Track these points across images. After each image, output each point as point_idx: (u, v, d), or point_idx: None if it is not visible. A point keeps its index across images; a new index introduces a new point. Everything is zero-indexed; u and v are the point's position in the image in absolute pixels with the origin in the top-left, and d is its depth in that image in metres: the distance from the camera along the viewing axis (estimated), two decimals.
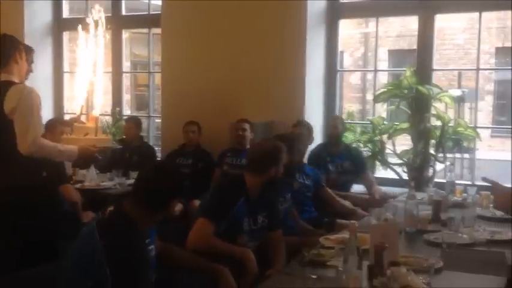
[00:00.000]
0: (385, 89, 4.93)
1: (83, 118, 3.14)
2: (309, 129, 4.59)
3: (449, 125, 4.70)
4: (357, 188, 4.81)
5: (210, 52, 5.54)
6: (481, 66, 6.75)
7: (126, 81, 9.86)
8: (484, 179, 2.74)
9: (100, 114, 3.33)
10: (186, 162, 5.21)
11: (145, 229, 2.10)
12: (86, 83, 3.09)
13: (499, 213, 3.59)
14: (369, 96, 10.64)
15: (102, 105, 3.23)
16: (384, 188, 4.70)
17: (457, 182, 4.40)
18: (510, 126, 13.57)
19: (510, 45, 12.20)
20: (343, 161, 4.69)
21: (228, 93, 5.48)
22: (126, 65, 7.69)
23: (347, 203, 4.12)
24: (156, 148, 6.10)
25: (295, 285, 1.99)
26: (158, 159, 5.72)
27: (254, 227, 2.90)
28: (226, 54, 5.47)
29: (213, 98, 5.52)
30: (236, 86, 5.45)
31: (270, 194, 2.99)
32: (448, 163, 4.73)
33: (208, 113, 5.46)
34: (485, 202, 3.76)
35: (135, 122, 5.77)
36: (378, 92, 5.03)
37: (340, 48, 5.59)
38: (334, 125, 4.78)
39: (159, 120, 6.37)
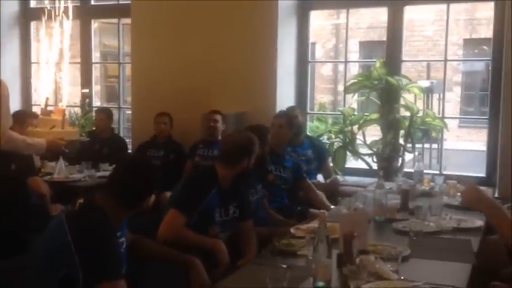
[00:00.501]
0: (356, 80, 4.99)
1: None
2: (289, 120, 4.50)
3: (418, 115, 4.78)
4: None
5: (181, 43, 5.51)
6: (449, 58, 6.87)
7: (96, 72, 9.73)
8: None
9: (69, 106, 3.29)
10: (157, 154, 5.18)
11: (116, 222, 2.08)
12: (52, 74, 3.05)
13: None
14: (341, 88, 10.70)
15: (71, 97, 3.19)
16: (356, 179, 4.77)
17: (425, 171, 4.48)
18: (477, 117, 13.86)
19: (478, 37, 12.46)
20: (305, 150, 4.71)
21: (199, 84, 5.46)
22: (96, 55, 7.57)
23: (325, 198, 4.13)
24: (127, 140, 6.05)
25: (265, 275, 2.00)
26: (129, 151, 5.68)
27: (225, 217, 2.91)
28: (198, 45, 5.44)
29: (185, 89, 5.49)
30: (208, 77, 5.43)
31: (241, 185, 3.00)
32: (416, 153, 4.81)
33: (180, 104, 5.43)
34: (452, 191, 3.84)
35: (106, 113, 5.70)
36: (348, 83, 5.08)
37: (311, 39, 5.61)
38: (293, 114, 4.76)
39: (129, 112, 6.31)
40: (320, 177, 4.81)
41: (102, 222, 1.98)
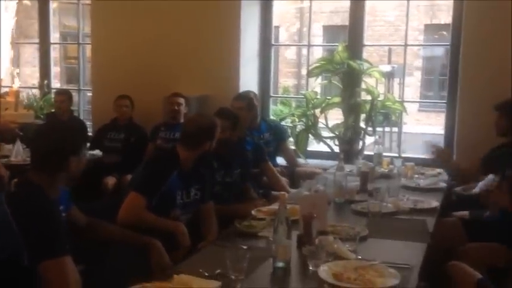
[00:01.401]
0: (318, 64, 5.02)
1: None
2: (249, 102, 4.51)
3: (379, 99, 4.85)
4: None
5: (143, 24, 5.42)
6: (410, 43, 6.97)
7: (55, 53, 9.48)
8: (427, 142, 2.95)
9: (26, 87, 3.20)
10: (118, 136, 5.12)
11: (53, 194, 2.03)
12: (5, 54, 2.95)
13: (422, 183, 3.78)
14: (304, 71, 10.76)
15: (30, 78, 3.10)
16: (318, 162, 4.82)
17: (385, 154, 4.57)
18: (436, 101, 14.16)
19: (438, 22, 12.67)
20: (262, 133, 4.71)
21: (161, 66, 5.40)
22: (55, 36, 7.39)
23: (286, 183, 4.15)
24: (88, 123, 5.94)
25: (226, 256, 2.01)
26: (89, 134, 5.58)
27: (187, 200, 2.90)
28: (160, 27, 5.37)
29: (146, 71, 5.42)
30: (170, 60, 5.37)
31: (202, 167, 3.00)
32: (377, 136, 4.90)
33: (141, 86, 5.36)
34: (410, 173, 3.94)
35: (67, 95, 5.58)
36: (311, 67, 5.11)
37: (275, 23, 5.60)
38: (248, 95, 4.74)
39: (90, 94, 6.19)
40: (281, 160, 4.83)
41: (40, 198, 1.92)
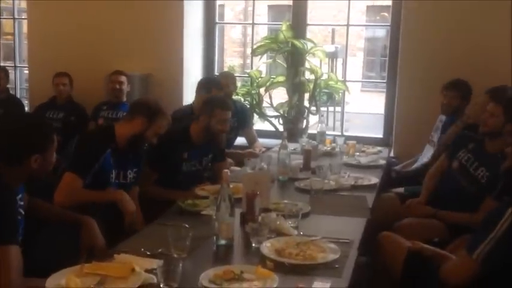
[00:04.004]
0: (263, 43, 5.02)
1: None
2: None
3: (322, 79, 4.91)
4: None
5: None
6: (353, 24, 7.06)
7: None
8: None
9: None
10: (57, 116, 4.96)
11: (13, 184, 1.97)
12: None
13: (363, 161, 3.88)
14: (249, 51, 10.75)
15: None
16: (263, 141, 4.82)
17: (328, 133, 4.65)
18: (377, 81, 14.48)
19: (380, 4, 12.89)
20: None
21: (102, 43, 5.25)
22: None
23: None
24: (25, 102, 5.73)
25: (168, 235, 2.00)
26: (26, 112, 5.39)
27: (123, 180, 2.84)
28: (101, 3, 5.19)
29: (87, 48, 5.26)
30: (111, 37, 5.23)
31: (141, 148, 2.94)
32: (320, 115, 4.96)
33: (82, 64, 5.20)
34: (351, 151, 4.03)
35: (4, 72, 5.35)
36: (255, 46, 5.10)
37: (221, 1, 5.54)
38: (225, 83, 4.68)
39: (27, 72, 5.96)
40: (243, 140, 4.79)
41: None
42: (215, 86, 4.29)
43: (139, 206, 2.81)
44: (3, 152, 1.98)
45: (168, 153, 3.19)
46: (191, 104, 4.47)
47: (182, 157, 3.25)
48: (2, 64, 7.28)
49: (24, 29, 6.13)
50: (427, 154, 4.07)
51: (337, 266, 1.99)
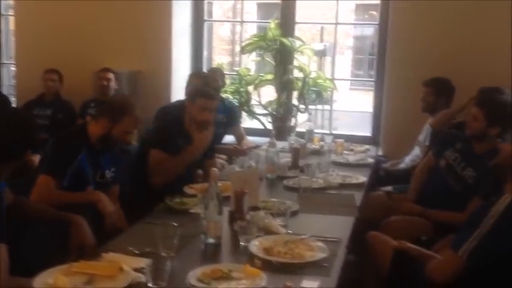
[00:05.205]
0: (251, 41, 5.02)
1: None
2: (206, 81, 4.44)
3: (311, 77, 4.92)
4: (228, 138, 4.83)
5: None
6: (341, 22, 7.09)
7: None
8: None
9: None
10: (44, 113, 4.92)
11: None
12: None
13: (351, 159, 3.89)
14: (238, 49, 10.74)
15: None
16: (252, 139, 4.82)
17: (317, 131, 4.66)
18: (365, 79, 14.53)
19: (368, 2, 12.91)
20: (217, 113, 4.64)
21: (90, 40, 5.22)
22: None
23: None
24: (12, 99, 5.66)
25: (156, 233, 2.00)
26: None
27: (100, 179, 2.82)
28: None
29: (74, 45, 5.22)
30: (99, 34, 5.20)
31: (117, 148, 2.92)
32: (308, 114, 4.97)
33: (69, 60, 5.16)
34: (340, 149, 4.05)
35: None
36: (244, 43, 5.10)
37: None
38: (213, 77, 4.68)
39: (14, 68, 5.90)
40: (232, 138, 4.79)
41: None
42: (194, 75, 4.37)
43: (119, 205, 2.78)
44: (4, 148, 1.96)
45: (168, 137, 3.25)
46: (182, 101, 4.47)
47: (179, 144, 3.26)
48: None
49: (11, 25, 6.07)
50: (414, 155, 4.10)
51: (325, 264, 1.99)
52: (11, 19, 5.87)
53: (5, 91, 5.99)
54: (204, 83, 4.31)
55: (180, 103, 4.42)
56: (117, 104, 2.87)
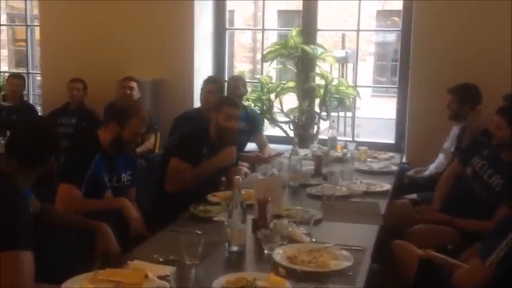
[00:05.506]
0: (273, 49, 5.02)
1: None
2: (219, 86, 4.47)
3: (332, 84, 4.90)
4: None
5: (93, 5, 5.28)
6: (363, 29, 7.07)
7: (3, 35, 9.15)
8: None
9: None
10: (69, 121, 5.00)
11: (24, 185, 1.99)
12: None
13: (375, 167, 3.86)
14: (259, 56, 10.79)
15: None
16: (274, 146, 4.82)
17: (339, 138, 4.63)
18: (388, 86, 14.43)
19: (390, 8, 12.87)
20: (240, 122, 4.64)
21: (114, 49, 5.29)
22: (2, 17, 7.11)
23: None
24: (38, 108, 5.77)
25: (181, 241, 2.00)
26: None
27: (116, 184, 2.84)
28: (111, 8, 5.24)
29: (98, 55, 5.30)
30: (123, 43, 5.27)
31: (129, 152, 2.94)
32: (331, 121, 4.95)
33: (93, 70, 5.24)
34: (363, 157, 4.02)
35: (23, 79, 5.45)
36: (265, 51, 5.11)
37: (230, 7, 5.56)
38: (235, 85, 4.71)
39: (39, 78, 6.01)
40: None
41: (12, 190, 1.88)
42: (208, 80, 4.46)
43: (136, 208, 2.79)
44: (27, 154, 2.01)
45: (191, 145, 3.27)
46: (198, 108, 4.50)
47: (202, 152, 3.28)
48: (14, 70, 7.36)
49: (37, 35, 6.19)
50: (439, 162, 4.05)
51: (350, 273, 1.97)
52: (37, 30, 5.98)
53: (31, 100, 6.11)
54: (217, 87, 4.38)
55: (196, 110, 4.48)
56: (121, 106, 2.86)
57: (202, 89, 4.45)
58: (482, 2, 4.40)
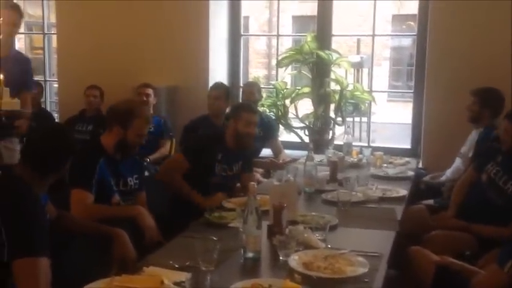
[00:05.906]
0: (287, 54, 5.02)
1: None
2: (225, 92, 4.49)
3: (348, 89, 4.88)
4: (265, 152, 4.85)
5: (110, 13, 5.34)
6: (378, 33, 7.05)
7: (20, 43, 9.26)
8: None
9: None
10: (86, 128, 5.03)
11: (40, 192, 2.01)
12: None
13: (391, 172, 3.83)
14: (274, 62, 10.79)
15: None
16: (289, 152, 4.82)
17: (354, 144, 4.61)
18: (404, 91, 14.35)
19: (405, 13, 12.81)
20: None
21: (129, 57, 5.33)
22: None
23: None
24: (55, 115, 5.83)
25: (196, 248, 2.00)
26: None
27: (123, 188, 2.84)
28: (127, 16, 5.29)
29: (114, 62, 5.34)
30: (138, 50, 5.31)
31: (134, 155, 2.95)
32: (346, 126, 4.93)
33: (110, 77, 5.28)
34: (379, 162, 3.99)
35: (41, 87, 5.51)
36: (280, 57, 5.11)
37: (245, 13, 5.57)
38: (250, 91, 4.73)
39: (56, 85, 6.08)
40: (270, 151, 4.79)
41: (29, 197, 1.90)
42: (213, 87, 4.53)
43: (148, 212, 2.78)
44: (43, 160, 2.03)
45: (205, 149, 3.29)
46: (206, 115, 4.51)
47: (216, 157, 3.29)
48: None
49: (54, 43, 6.26)
50: (455, 167, 4.00)
51: (366, 280, 1.96)
52: (54, 37, 6.06)
53: (48, 107, 6.18)
54: (224, 93, 4.41)
55: (204, 118, 4.48)
56: (123, 109, 2.85)
57: (208, 95, 4.48)
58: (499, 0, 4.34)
